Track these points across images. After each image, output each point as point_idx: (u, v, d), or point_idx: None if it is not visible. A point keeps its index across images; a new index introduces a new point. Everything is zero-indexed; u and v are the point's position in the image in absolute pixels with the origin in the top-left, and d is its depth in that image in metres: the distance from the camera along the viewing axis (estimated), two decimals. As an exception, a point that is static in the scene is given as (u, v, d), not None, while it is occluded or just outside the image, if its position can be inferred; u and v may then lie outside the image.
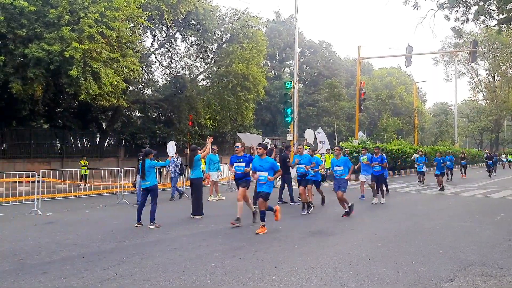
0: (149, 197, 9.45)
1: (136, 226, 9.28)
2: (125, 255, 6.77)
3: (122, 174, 15.02)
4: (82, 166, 20.41)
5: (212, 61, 29.99)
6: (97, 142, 26.75)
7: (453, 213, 11.56)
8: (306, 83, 50.63)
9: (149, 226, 9.17)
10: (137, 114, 31.08)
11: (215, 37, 28.50)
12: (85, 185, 18.70)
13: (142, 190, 9.64)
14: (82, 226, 9.62)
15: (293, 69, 26.53)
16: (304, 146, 16.12)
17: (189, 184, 11.27)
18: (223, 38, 29.18)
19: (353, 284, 5.34)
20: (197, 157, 11.00)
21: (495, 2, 19.85)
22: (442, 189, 17.18)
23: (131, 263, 6.33)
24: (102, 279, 5.55)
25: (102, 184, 16.86)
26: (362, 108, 28.78)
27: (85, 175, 20.21)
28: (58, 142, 24.67)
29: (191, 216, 10.54)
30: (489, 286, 5.28)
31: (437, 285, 5.31)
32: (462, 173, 25.56)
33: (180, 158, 14.90)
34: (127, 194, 14.79)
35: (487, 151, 34.40)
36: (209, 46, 29.26)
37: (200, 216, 10.49)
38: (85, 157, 21.56)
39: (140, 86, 29.51)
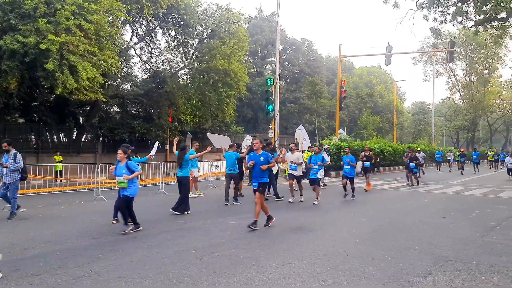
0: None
1: (113, 222, 9.14)
2: (101, 252, 6.65)
3: (99, 170, 14.78)
4: (57, 162, 20.02)
5: (193, 57, 29.74)
6: (74, 137, 26.28)
7: (429, 210, 11.73)
8: (288, 80, 50.72)
9: (129, 223, 9.03)
10: (116, 109, 30.58)
11: (196, 32, 28.24)
12: (60, 180, 18.34)
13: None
14: (57, 222, 9.43)
15: (275, 66, 26.54)
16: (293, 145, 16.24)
17: (177, 182, 11.23)
18: (204, 34, 28.95)
19: (331, 280, 5.35)
20: (187, 156, 10.97)
21: (472, 4, 20.25)
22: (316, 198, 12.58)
23: (107, 260, 6.21)
24: (76, 276, 5.43)
25: (79, 180, 16.58)
26: (342, 106, 28.97)
27: (60, 171, 19.84)
28: (33, 137, 24.15)
29: (185, 213, 10.50)
30: (462, 281, 5.36)
31: (412, 280, 5.37)
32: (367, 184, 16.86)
33: (20, 158, 10.18)
34: (104, 190, 14.54)
35: (408, 147, 24.24)
36: (190, 41, 28.99)
37: (182, 213, 10.45)
38: (58, 153, 21.18)
39: (119, 80, 29.08)
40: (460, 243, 7.54)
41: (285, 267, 5.88)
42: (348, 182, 13.97)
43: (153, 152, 10.54)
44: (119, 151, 8.40)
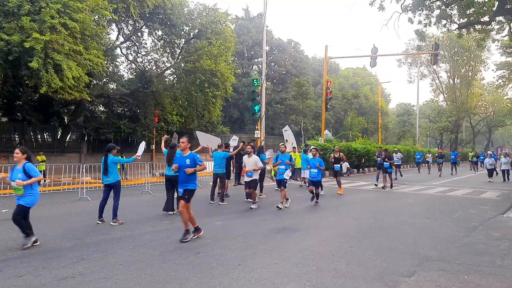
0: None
1: (98, 223, 9.09)
2: (86, 253, 6.59)
3: (84, 170, 14.63)
4: (40, 162, 19.72)
5: (180, 57, 29.60)
6: (58, 137, 25.93)
7: (414, 211, 11.88)
8: (274, 81, 50.79)
9: (111, 223, 9.00)
10: (101, 108, 30.27)
11: (182, 32, 28.12)
12: (44, 181, 18.07)
13: (104, 186, 9.39)
14: (41, 223, 9.27)
15: (261, 66, 26.58)
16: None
17: (164, 180, 11.20)
18: (191, 34, 28.84)
19: (316, 280, 5.39)
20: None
21: (456, 7, 20.57)
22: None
23: (92, 260, 6.16)
24: (61, 277, 5.38)
25: (63, 180, 16.38)
26: (328, 107, 29.15)
27: (43, 170, 19.55)
28: (17, 136, 23.78)
29: (169, 213, 10.52)
30: (446, 281, 5.45)
31: (397, 280, 5.44)
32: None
33: None
34: (89, 190, 14.40)
35: (380, 147, 23.53)
36: (176, 41, 28.84)
37: (174, 212, 10.52)
38: (42, 152, 20.92)
39: (105, 80, 28.74)
40: (444, 243, 7.65)
41: (271, 267, 5.91)
42: (314, 188, 12.63)
43: (140, 152, 10.46)
44: (16, 150, 7.15)
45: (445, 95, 67.44)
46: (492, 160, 24.17)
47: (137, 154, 10.28)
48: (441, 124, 58.73)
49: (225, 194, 13.21)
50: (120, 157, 10.68)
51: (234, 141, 21.97)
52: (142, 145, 10.85)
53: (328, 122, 44.16)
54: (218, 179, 12.76)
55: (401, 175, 24.58)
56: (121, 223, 9.06)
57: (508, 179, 23.33)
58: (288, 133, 23.31)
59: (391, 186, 17.93)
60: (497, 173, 25.29)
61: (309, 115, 47.31)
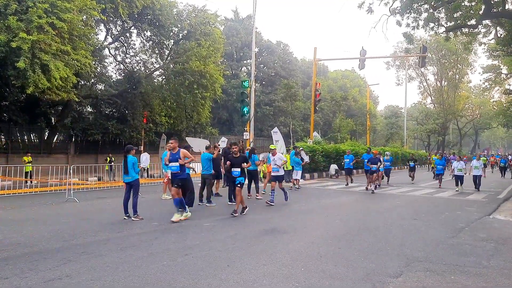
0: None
1: (124, 218, 9.68)
2: (73, 255, 6.53)
3: (71, 171, 14.48)
4: (26, 163, 19.51)
5: (168, 58, 29.55)
6: (45, 138, 25.69)
7: (401, 212, 11.97)
8: (263, 82, 50.88)
9: (133, 218, 9.62)
10: (89, 109, 30.11)
11: (171, 33, 28.08)
12: (31, 182, 17.89)
13: (125, 185, 9.99)
14: (27, 224, 9.20)
15: (251, 68, 26.58)
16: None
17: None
18: (180, 35, 28.82)
19: (304, 281, 5.40)
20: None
21: (443, 10, 20.83)
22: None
23: (79, 262, 6.11)
24: (47, 279, 5.32)
25: (50, 181, 16.21)
26: (317, 109, 29.26)
27: (30, 171, 19.34)
28: (3, 137, 23.50)
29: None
30: (432, 281, 5.50)
31: (384, 280, 5.47)
32: None
33: None
34: (76, 192, 14.26)
35: (236, 144, 11.99)
36: (165, 42, 28.81)
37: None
38: (29, 154, 20.68)
39: (93, 80, 28.56)
40: (431, 244, 7.72)
41: (259, 268, 5.91)
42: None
43: (146, 163, 10.68)
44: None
45: (432, 98, 68.23)
46: (461, 164, 18.69)
47: (142, 165, 10.56)
48: (429, 126, 59.35)
49: (215, 194, 13.29)
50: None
51: (223, 142, 21.96)
52: (147, 157, 11.04)
53: (317, 124, 44.34)
54: (205, 180, 12.84)
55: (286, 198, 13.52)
56: (141, 218, 9.67)
57: (479, 189, 18.53)
58: (278, 134, 23.41)
59: (244, 209, 10.87)
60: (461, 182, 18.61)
61: (298, 116, 47.49)
